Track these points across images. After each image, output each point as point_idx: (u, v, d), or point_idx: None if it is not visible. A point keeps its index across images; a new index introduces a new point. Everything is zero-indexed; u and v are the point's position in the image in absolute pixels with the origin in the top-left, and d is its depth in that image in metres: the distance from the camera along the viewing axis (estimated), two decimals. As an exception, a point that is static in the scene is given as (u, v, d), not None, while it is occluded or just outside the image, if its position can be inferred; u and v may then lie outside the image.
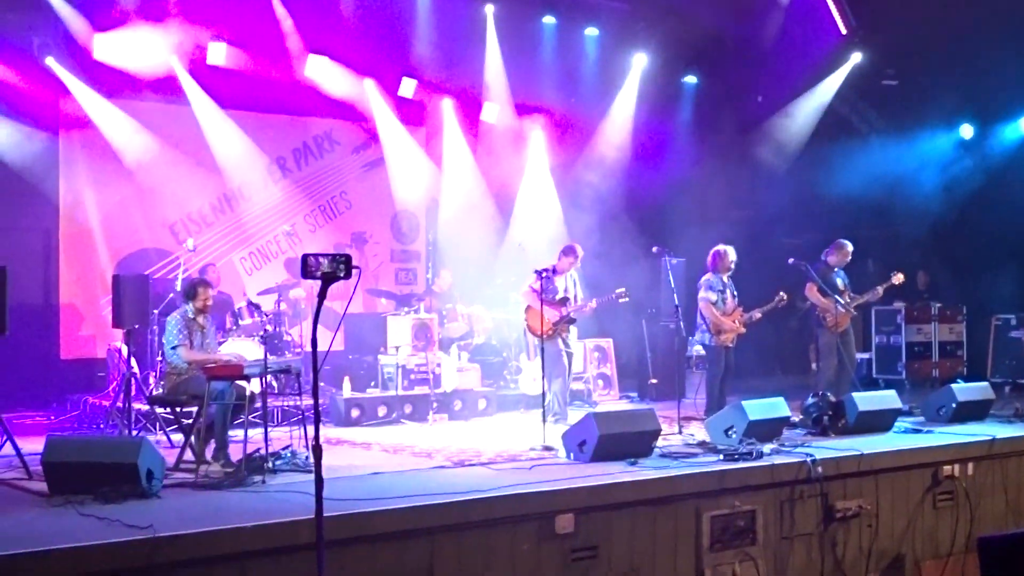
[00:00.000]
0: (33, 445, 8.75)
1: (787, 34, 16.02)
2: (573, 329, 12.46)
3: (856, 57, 16.46)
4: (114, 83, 14.07)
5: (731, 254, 12.46)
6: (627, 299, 12.48)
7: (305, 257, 5.41)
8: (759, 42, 16.29)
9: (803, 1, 15.68)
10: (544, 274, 11.82)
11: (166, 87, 14.44)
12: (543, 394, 11.01)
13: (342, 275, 5.41)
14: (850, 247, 12.87)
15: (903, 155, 17.33)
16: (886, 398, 11.16)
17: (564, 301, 12.15)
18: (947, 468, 9.88)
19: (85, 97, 13.98)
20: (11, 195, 13.70)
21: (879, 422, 10.74)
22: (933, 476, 9.82)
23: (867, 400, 10.86)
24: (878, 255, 16.96)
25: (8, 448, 8.69)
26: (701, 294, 12.36)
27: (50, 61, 13.57)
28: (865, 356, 16.50)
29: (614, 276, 15.84)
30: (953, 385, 11.85)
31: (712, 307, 12.24)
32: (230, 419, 9.35)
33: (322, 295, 5.39)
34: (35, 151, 13.89)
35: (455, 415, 12.89)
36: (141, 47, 13.88)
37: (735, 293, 12.49)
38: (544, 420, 10.45)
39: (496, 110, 16.94)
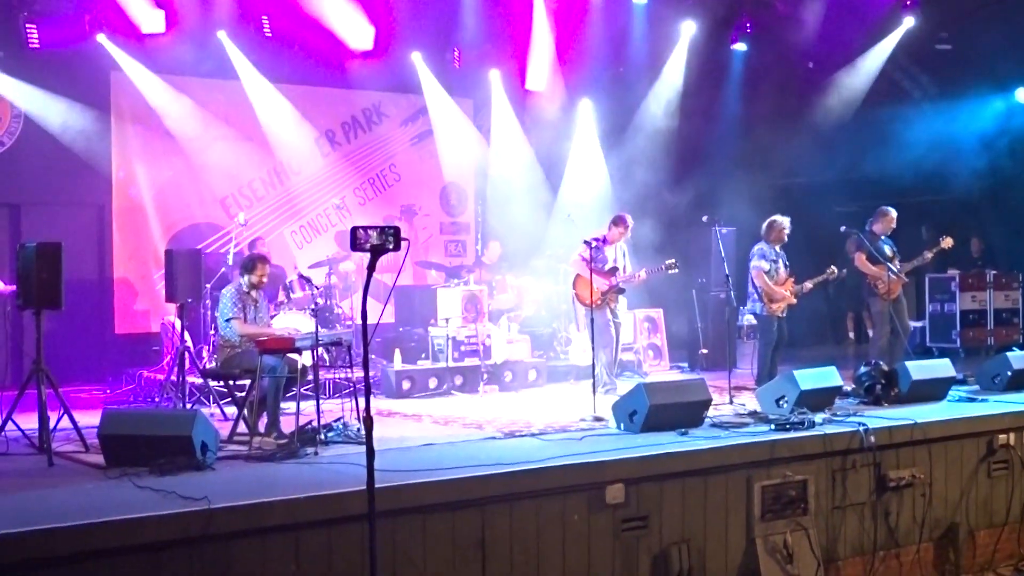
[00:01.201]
0: (89, 418, 8.85)
1: (838, -1, 15.87)
2: (622, 300, 12.44)
3: (909, 21, 16.22)
4: (164, 58, 14.16)
5: (785, 224, 12.34)
6: (676, 270, 12.43)
7: (354, 229, 5.40)
8: (809, 7, 16.11)
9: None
10: (594, 244, 11.80)
11: (215, 62, 14.53)
12: (593, 365, 11.01)
13: (391, 247, 5.40)
14: (894, 213, 12.73)
15: (956, 120, 17.09)
16: (940, 367, 11.06)
17: (613, 271, 12.13)
18: (1002, 437, 9.78)
19: (136, 73, 14.11)
20: (64, 171, 13.87)
21: (933, 391, 10.65)
22: (988, 445, 9.73)
23: (920, 369, 10.77)
24: (932, 222, 16.79)
25: (65, 422, 8.77)
26: (753, 263, 12.28)
27: (101, 38, 13.68)
28: (919, 324, 16.38)
29: (663, 246, 15.80)
30: (1008, 353, 11.71)
31: (764, 276, 12.16)
32: (283, 392, 9.43)
33: (371, 267, 5.39)
34: (87, 127, 14.05)
35: (505, 386, 12.93)
36: (190, 22, 13.96)
37: (787, 263, 12.39)
38: (594, 391, 10.45)
39: (544, 80, 16.89)
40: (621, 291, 12.28)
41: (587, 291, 11.75)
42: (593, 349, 11.23)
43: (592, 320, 11.31)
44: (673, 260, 12.31)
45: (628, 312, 14.63)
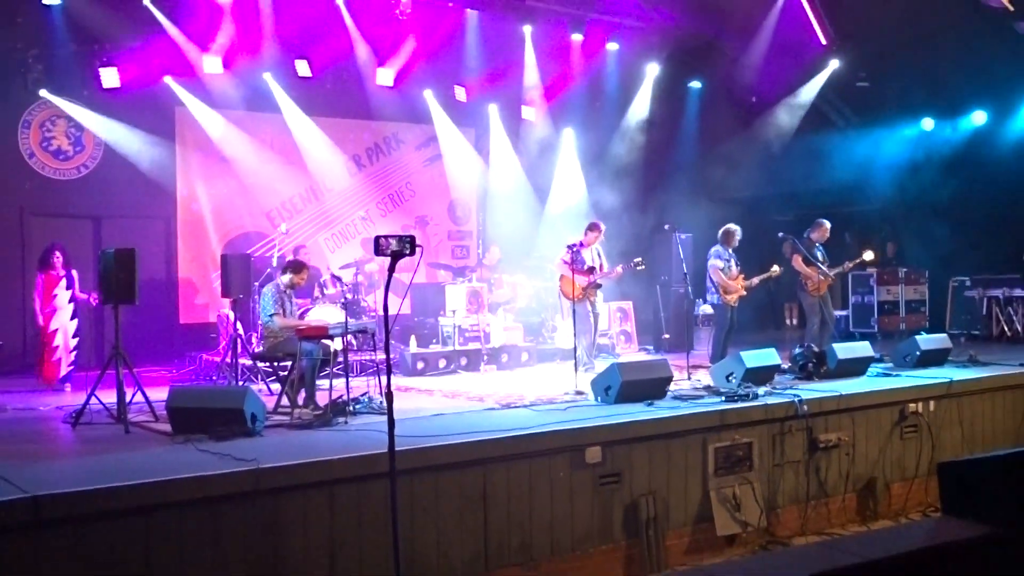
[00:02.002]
0: (158, 394, 8.83)
1: (776, 44, 15.85)
2: (600, 293, 12.42)
3: (834, 63, 16.26)
4: (220, 96, 14.16)
5: (737, 232, 12.41)
6: (643, 267, 12.39)
7: (377, 238, 5.40)
8: (753, 52, 16.12)
9: (789, 16, 15.49)
10: (574, 248, 11.80)
11: (262, 98, 14.53)
12: (575, 348, 11.01)
13: (408, 252, 5.39)
14: (828, 225, 12.71)
15: (874, 145, 17.12)
16: (861, 348, 11.06)
17: (591, 270, 12.12)
18: (912, 406, 9.79)
19: (196, 108, 14.10)
20: (138, 190, 13.88)
21: (855, 368, 10.65)
22: (900, 412, 9.73)
23: (845, 350, 10.77)
24: (854, 229, 16.81)
25: (139, 397, 8.78)
26: (711, 262, 12.31)
27: (168, 79, 13.69)
28: (843, 313, 16.38)
29: (633, 249, 15.81)
30: (917, 336, 11.71)
31: (720, 272, 12.19)
32: (318, 371, 9.42)
33: (391, 269, 5.39)
34: (157, 154, 14.06)
35: (502, 366, 12.92)
36: (241, 66, 13.95)
37: (738, 263, 12.42)
38: (576, 370, 10.46)
39: (534, 112, 16.88)
40: (598, 286, 12.27)
41: (570, 287, 11.77)
42: (575, 335, 11.24)
43: (574, 311, 11.33)
44: (640, 259, 12.28)
45: (604, 304, 14.64)
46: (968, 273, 16.06)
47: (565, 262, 11.87)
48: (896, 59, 15.78)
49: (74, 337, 11.10)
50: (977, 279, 15.88)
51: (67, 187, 13.58)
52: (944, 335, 12.29)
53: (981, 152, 16.35)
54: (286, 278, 9.98)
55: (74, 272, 11.16)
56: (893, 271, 16.57)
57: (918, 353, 11.18)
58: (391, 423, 5.46)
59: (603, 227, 12.46)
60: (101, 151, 13.74)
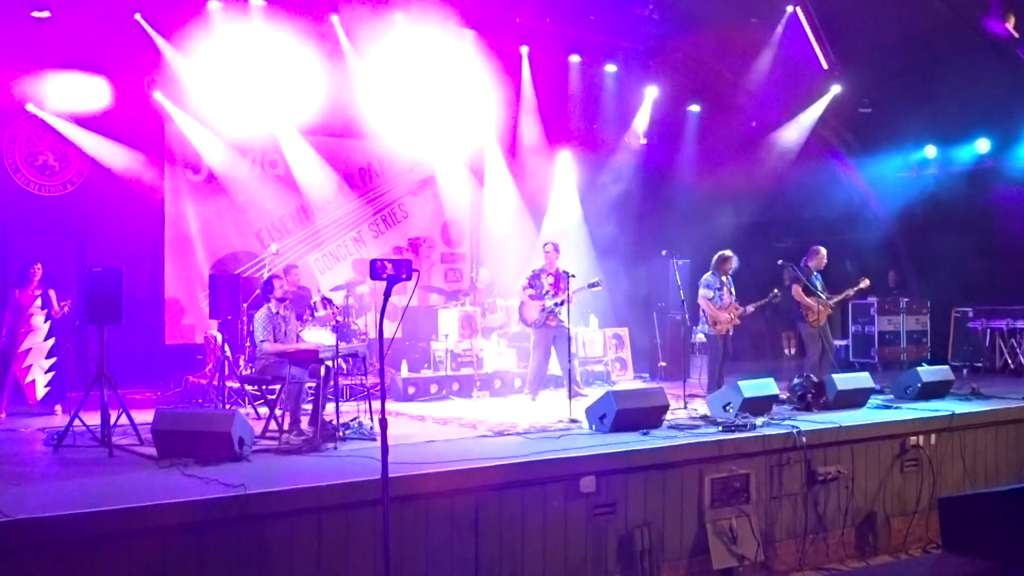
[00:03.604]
0: (144, 416, 8.84)
1: (777, 69, 15.96)
2: (562, 319, 12.01)
3: (835, 88, 16.37)
4: (210, 113, 14.19)
5: (733, 259, 12.30)
6: (600, 287, 12.29)
7: (373, 262, 5.44)
8: (753, 76, 16.24)
9: (790, 41, 15.60)
10: (535, 273, 11.94)
11: (253, 116, 14.53)
12: (569, 374, 11.01)
13: (404, 277, 5.43)
14: (824, 252, 12.66)
15: (876, 171, 17.24)
16: (861, 379, 11.09)
17: (546, 295, 12.07)
18: (913, 439, 9.83)
19: (186, 124, 14.12)
20: (124, 207, 13.88)
21: (855, 399, 10.69)
22: (901, 445, 9.77)
23: (845, 380, 10.80)
24: (854, 257, 16.87)
25: (124, 419, 8.78)
26: (700, 291, 12.30)
27: (157, 95, 13.74)
28: (843, 343, 16.43)
29: (628, 274, 15.90)
30: (919, 368, 11.77)
31: (709, 302, 12.17)
32: (320, 393, 9.40)
33: (387, 293, 5.42)
34: (144, 171, 14.06)
35: (495, 392, 12.93)
36: (231, 83, 14.01)
37: (732, 290, 12.40)
38: (570, 398, 10.43)
39: (530, 134, 16.95)
40: (551, 311, 12.04)
41: (529, 312, 12.07)
42: (568, 361, 11.23)
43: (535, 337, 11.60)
44: (597, 279, 12.20)
45: (599, 330, 14.69)
46: (971, 304, 16.13)
47: (523, 287, 11.98)
48: (899, 85, 15.90)
49: (48, 358, 11.05)
50: (980, 310, 15.94)
51: (53, 204, 13.59)
52: (946, 367, 12.31)
53: (985, 180, 16.46)
54: (273, 300, 9.97)
55: (51, 292, 11.15)
56: (894, 301, 16.63)
57: (919, 385, 11.22)
58: (385, 450, 5.48)
59: (553, 249, 12.37)
60: (88, 167, 13.76)
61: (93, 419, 8.69)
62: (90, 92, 13.10)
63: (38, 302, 10.97)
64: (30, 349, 10.87)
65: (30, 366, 10.87)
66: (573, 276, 11.59)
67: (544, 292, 12.02)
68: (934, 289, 16.89)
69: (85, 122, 13.49)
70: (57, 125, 13.41)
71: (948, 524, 4.24)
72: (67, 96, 13.28)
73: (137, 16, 12.90)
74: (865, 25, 14.90)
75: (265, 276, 12.71)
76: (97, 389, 8.64)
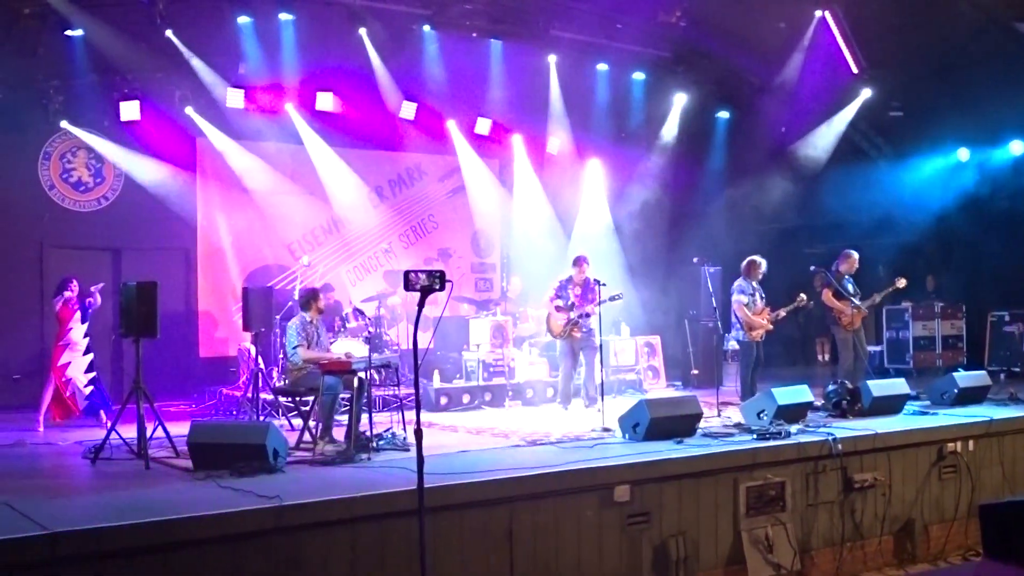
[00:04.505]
0: (178, 429, 8.92)
1: (806, 73, 15.85)
2: (585, 331, 11.91)
3: (866, 92, 16.24)
4: (241, 127, 14.33)
5: (762, 264, 12.32)
6: (621, 299, 12.23)
7: (407, 273, 5.42)
8: (782, 81, 16.15)
9: (820, 45, 15.50)
10: (563, 283, 11.91)
11: (284, 130, 14.67)
12: (601, 384, 10.98)
13: (437, 288, 5.41)
14: (856, 255, 12.59)
15: (908, 176, 17.09)
16: (896, 385, 11.01)
17: (572, 306, 11.98)
18: (950, 445, 9.74)
19: (217, 139, 14.27)
20: (157, 221, 14.02)
21: (891, 406, 10.61)
22: (938, 452, 9.68)
23: (880, 387, 10.73)
24: (887, 262, 16.73)
25: (159, 432, 8.84)
26: (735, 297, 12.28)
27: (189, 110, 13.87)
28: (877, 349, 16.30)
29: (659, 282, 15.86)
30: (955, 373, 11.65)
31: (744, 308, 12.14)
32: (355, 404, 9.41)
33: (421, 304, 5.40)
34: (177, 184, 14.22)
35: (527, 401, 12.93)
36: (263, 98, 14.12)
37: (763, 296, 12.37)
38: (601, 407, 10.39)
39: (558, 143, 16.98)
40: (575, 323, 11.92)
41: (554, 324, 11.99)
42: (600, 371, 11.21)
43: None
44: (618, 292, 12.11)
45: (630, 339, 14.64)
46: (1007, 308, 15.94)
47: (551, 299, 11.95)
48: (930, 88, 15.76)
49: (88, 372, 11.13)
50: (1016, 314, 15.75)
51: (87, 219, 13.75)
52: (983, 372, 12.21)
53: (1018, 183, 16.28)
54: (309, 314, 10.03)
55: (90, 300, 11.22)
56: (929, 305, 16.47)
57: (956, 391, 11.11)
58: (420, 460, 5.47)
59: (585, 262, 12.15)
60: (122, 182, 13.91)
61: (129, 432, 8.75)
62: (123, 108, 13.22)
63: (77, 316, 11.06)
64: (69, 363, 10.95)
65: (70, 379, 10.95)
66: (604, 284, 11.53)
67: (570, 304, 11.97)
68: (969, 293, 16.71)
69: (119, 138, 13.65)
70: (91, 141, 13.57)
71: (989, 531, 4.17)
72: (100, 112, 13.43)
73: (168, 32, 13.01)
74: (895, 28, 14.78)
75: (297, 288, 12.85)
76: (134, 402, 8.71)
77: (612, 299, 11.92)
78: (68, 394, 10.97)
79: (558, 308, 11.90)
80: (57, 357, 10.97)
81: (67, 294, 11.00)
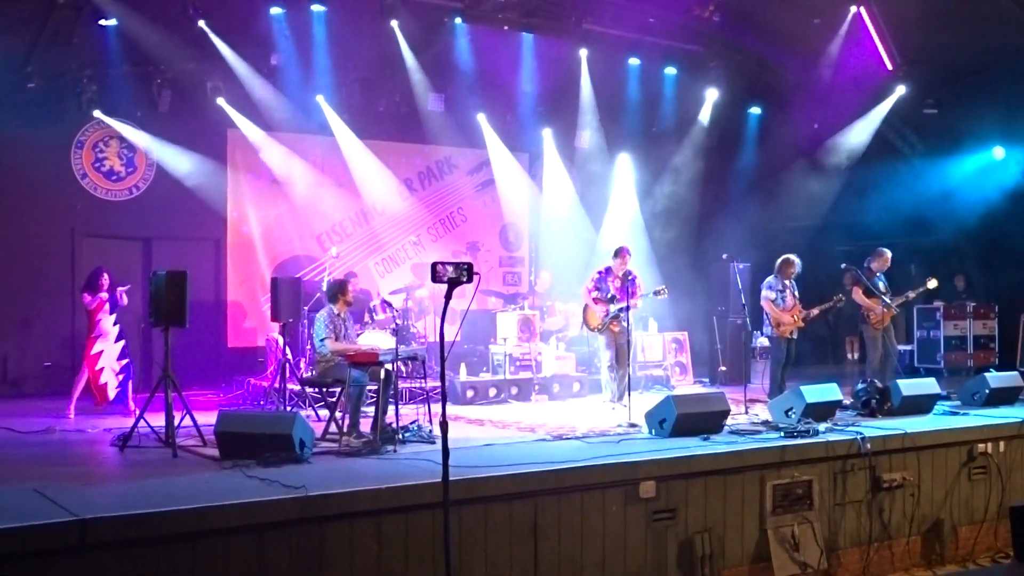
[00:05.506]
0: (206, 418, 8.97)
1: (840, 70, 15.73)
2: (626, 323, 11.67)
3: (900, 89, 16.09)
4: (272, 118, 14.39)
5: (796, 263, 12.18)
6: (665, 295, 12.16)
7: (434, 265, 5.41)
8: (816, 77, 16.03)
9: (853, 41, 15.38)
10: (601, 274, 11.82)
11: (315, 121, 14.72)
12: (628, 379, 10.96)
13: (465, 280, 5.40)
14: (889, 254, 12.50)
15: (942, 174, 16.92)
16: (927, 384, 10.91)
17: (612, 299, 11.84)
18: (981, 446, 9.64)
19: (249, 130, 14.33)
20: (188, 212, 14.11)
21: (921, 405, 10.51)
22: (968, 453, 9.59)
23: (910, 386, 10.64)
24: (919, 261, 16.61)
25: (187, 420, 8.89)
26: (763, 293, 12.21)
27: (220, 101, 13.93)
28: (908, 348, 16.18)
29: (688, 278, 15.79)
30: (986, 374, 11.56)
31: (771, 304, 12.06)
32: (382, 396, 9.42)
33: (448, 296, 5.39)
34: (208, 175, 14.29)
35: (554, 396, 12.92)
36: (294, 89, 14.17)
37: (796, 293, 12.25)
38: (627, 402, 10.39)
39: (588, 137, 16.93)
40: (615, 316, 11.76)
41: (591, 317, 11.88)
42: (628, 365, 11.19)
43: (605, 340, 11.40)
44: (663, 287, 12.03)
45: (658, 334, 14.59)
46: (1040, 308, 15.79)
47: (588, 290, 11.87)
48: (965, 85, 15.61)
49: (120, 359, 11.24)
50: (1049, 314, 15.61)
51: (119, 208, 13.86)
52: (1015, 373, 12.07)
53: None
54: (337, 306, 10.06)
55: (119, 290, 11.31)
56: (961, 305, 16.33)
57: (987, 391, 11.00)
58: (446, 453, 5.47)
59: (628, 254, 12.01)
60: (153, 172, 14.01)
61: (158, 420, 8.82)
62: (155, 98, 13.31)
63: (107, 307, 11.16)
64: (102, 352, 11.06)
65: (103, 368, 11.06)
66: (663, 291, 11.59)
67: (609, 296, 11.88)
68: (1001, 293, 16.54)
69: (151, 127, 13.74)
70: (123, 131, 13.67)
71: (1020, 533, 4.14)
72: (133, 102, 13.53)
73: (201, 23, 13.07)
74: (931, 24, 14.63)
75: (326, 280, 12.89)
76: (162, 391, 8.77)
77: (656, 293, 11.90)
78: (101, 383, 11.08)
79: (596, 300, 11.80)
80: (90, 347, 11.08)
81: (102, 295, 11.10)
